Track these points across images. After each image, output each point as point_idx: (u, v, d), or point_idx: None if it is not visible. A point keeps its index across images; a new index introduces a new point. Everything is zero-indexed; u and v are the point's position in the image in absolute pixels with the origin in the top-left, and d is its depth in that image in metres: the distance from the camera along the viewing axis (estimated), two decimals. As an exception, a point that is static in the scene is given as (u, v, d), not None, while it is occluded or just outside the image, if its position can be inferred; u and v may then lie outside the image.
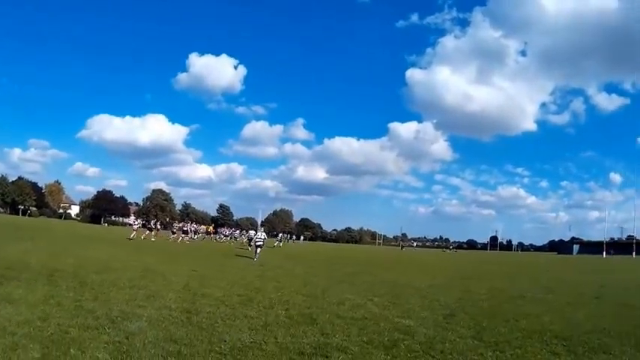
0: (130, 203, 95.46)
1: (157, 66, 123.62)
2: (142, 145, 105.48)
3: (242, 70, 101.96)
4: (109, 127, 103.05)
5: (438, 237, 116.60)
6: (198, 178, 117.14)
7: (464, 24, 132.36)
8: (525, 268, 25.68)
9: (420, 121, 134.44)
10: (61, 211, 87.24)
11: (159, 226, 34.15)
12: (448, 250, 70.32)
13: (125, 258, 13.92)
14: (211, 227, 46.23)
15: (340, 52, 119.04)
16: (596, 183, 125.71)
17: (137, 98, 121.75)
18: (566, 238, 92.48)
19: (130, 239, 24.95)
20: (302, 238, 46.13)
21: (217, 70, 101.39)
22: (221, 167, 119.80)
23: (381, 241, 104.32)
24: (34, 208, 78.55)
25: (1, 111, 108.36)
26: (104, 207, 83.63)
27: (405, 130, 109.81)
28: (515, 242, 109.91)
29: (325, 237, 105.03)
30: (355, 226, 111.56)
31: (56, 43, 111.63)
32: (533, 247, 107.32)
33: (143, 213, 79.63)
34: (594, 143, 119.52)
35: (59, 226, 39.32)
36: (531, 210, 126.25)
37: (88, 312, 5.71)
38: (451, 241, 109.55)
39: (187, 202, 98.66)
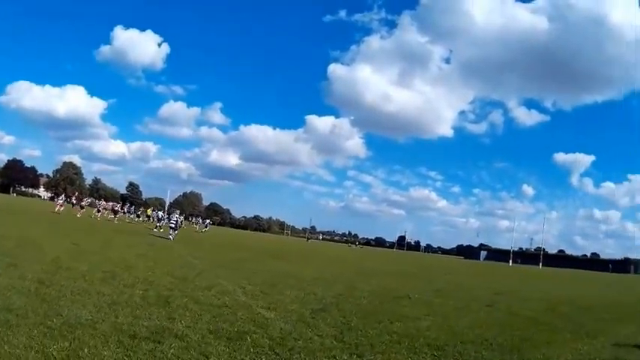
0: (41, 174, 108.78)
1: (80, 36, 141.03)
2: (59, 116, 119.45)
3: (165, 48, 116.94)
4: (28, 95, 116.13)
5: (347, 232, 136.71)
6: (111, 154, 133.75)
7: (391, 25, 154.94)
8: (424, 270, 28.53)
9: (337, 116, 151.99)
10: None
11: (83, 203, 42.65)
12: (354, 246, 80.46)
13: (5, 229, 15.84)
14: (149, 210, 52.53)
15: (265, 40, 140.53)
16: (508, 193, 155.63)
17: (58, 67, 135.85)
18: (475, 244, 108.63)
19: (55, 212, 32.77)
20: (208, 222, 50.18)
21: (140, 46, 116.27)
22: (135, 145, 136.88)
23: (289, 231, 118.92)
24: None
25: None
26: (14, 177, 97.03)
27: (322, 123, 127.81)
28: (423, 243, 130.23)
29: (233, 223, 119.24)
30: (264, 215, 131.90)
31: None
32: (441, 250, 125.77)
33: (52, 185, 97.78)
34: (509, 155, 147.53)
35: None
36: (442, 213, 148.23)
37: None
38: (360, 237, 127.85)
39: (98, 177, 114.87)
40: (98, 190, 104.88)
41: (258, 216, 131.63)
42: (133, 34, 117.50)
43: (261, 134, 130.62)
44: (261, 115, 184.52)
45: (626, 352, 7.77)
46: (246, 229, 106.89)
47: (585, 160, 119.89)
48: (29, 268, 8.46)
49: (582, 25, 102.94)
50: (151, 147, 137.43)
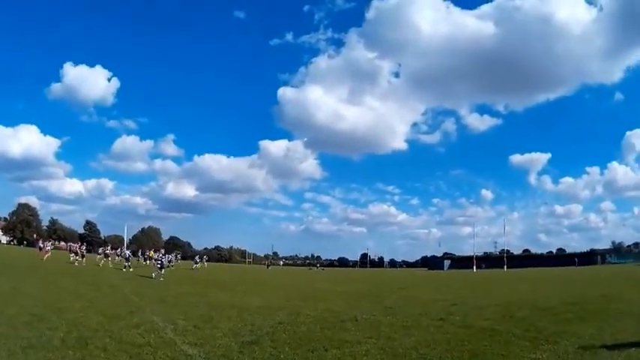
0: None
1: (31, 74, 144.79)
2: (13, 157, 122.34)
3: (115, 83, 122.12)
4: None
5: (310, 255, 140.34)
6: (68, 193, 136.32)
7: (339, 44, 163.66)
8: (380, 287, 27.97)
9: (290, 139, 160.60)
10: None
11: (48, 246, 45.80)
12: (315, 269, 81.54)
13: None
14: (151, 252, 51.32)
15: (213, 68, 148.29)
16: (468, 200, 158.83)
17: (10, 107, 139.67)
18: (439, 254, 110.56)
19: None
20: (171, 256, 50.99)
21: (90, 82, 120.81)
22: (91, 182, 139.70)
23: (250, 259, 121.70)
24: None
25: None
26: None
27: (275, 148, 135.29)
28: (386, 259, 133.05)
29: (194, 256, 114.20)
30: (225, 245, 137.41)
31: None
32: (405, 264, 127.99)
33: (10, 229, 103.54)
34: (465, 162, 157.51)
35: None
36: (403, 227, 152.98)
37: None
38: (323, 258, 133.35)
39: (55, 218, 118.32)
40: (56, 231, 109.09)
41: (219, 246, 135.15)
42: (83, 69, 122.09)
43: (216, 163, 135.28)
44: (214, 144, 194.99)
45: (590, 356, 7.23)
46: (208, 261, 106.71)
47: (542, 158, 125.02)
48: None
49: (529, 25, 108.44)
50: (107, 183, 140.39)
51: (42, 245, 45.13)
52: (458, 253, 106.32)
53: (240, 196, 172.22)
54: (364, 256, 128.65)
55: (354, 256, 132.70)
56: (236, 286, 24.03)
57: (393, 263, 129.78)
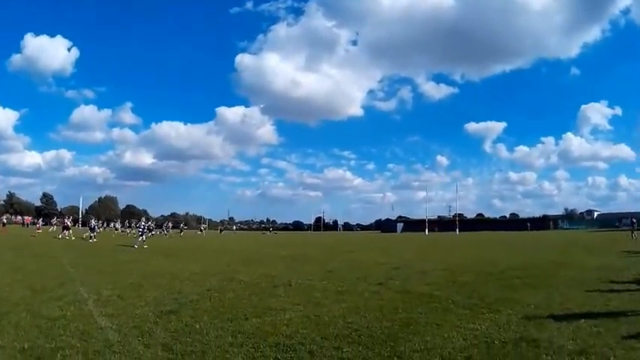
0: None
1: None
2: None
3: (75, 53, 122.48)
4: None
5: (265, 219, 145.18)
6: (27, 165, 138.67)
7: (298, 12, 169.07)
8: (326, 250, 27.68)
9: (247, 105, 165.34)
10: None
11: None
12: (268, 233, 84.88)
13: None
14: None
15: (172, 35, 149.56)
16: (423, 165, 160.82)
17: None
18: (393, 217, 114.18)
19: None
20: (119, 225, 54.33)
21: (50, 52, 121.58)
22: (50, 154, 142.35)
23: (206, 225, 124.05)
24: None
25: None
26: None
27: (232, 114, 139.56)
28: (341, 222, 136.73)
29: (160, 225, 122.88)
30: (181, 212, 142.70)
31: None
32: (360, 227, 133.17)
33: None
34: (421, 129, 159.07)
35: None
36: (358, 191, 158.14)
37: None
38: (278, 223, 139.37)
39: (12, 191, 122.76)
40: (12, 205, 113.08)
41: (175, 213, 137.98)
42: (44, 40, 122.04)
43: (173, 131, 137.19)
44: (172, 111, 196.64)
45: (535, 326, 6.59)
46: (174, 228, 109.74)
47: (497, 127, 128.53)
48: None
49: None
50: (66, 154, 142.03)
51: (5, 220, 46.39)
52: (413, 216, 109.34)
53: (197, 162, 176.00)
54: (319, 219, 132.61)
55: (310, 220, 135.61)
56: (181, 253, 23.73)
57: (347, 226, 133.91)
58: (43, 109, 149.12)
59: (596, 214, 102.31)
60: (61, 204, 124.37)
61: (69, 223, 40.17)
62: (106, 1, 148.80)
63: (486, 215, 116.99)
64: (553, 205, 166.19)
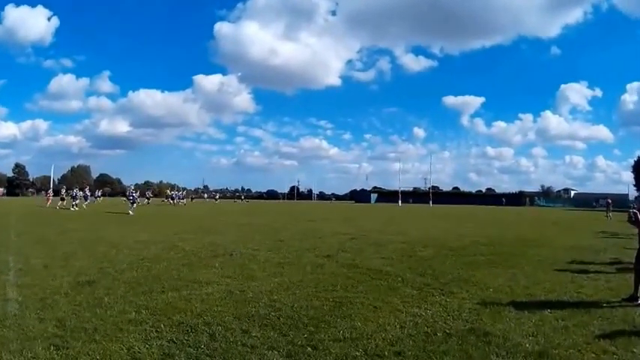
0: None
1: None
2: None
3: (55, 22, 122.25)
4: None
5: (240, 188, 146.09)
6: (2, 137, 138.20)
7: None
8: (289, 218, 27.10)
9: (224, 74, 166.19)
10: None
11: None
12: (239, 201, 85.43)
13: None
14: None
15: (151, 4, 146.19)
16: (400, 137, 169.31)
17: None
18: (368, 188, 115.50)
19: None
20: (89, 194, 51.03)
21: (30, 22, 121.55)
22: (26, 124, 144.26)
23: (182, 193, 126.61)
24: None
25: None
26: None
27: (209, 82, 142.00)
28: (316, 192, 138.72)
29: (124, 192, 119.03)
30: (155, 180, 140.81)
31: None
32: (335, 197, 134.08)
33: None
34: (399, 100, 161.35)
35: None
36: (334, 161, 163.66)
37: None
38: (253, 191, 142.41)
39: None
40: None
41: (148, 181, 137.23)
42: (24, 11, 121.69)
43: (150, 99, 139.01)
44: (150, 79, 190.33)
45: (491, 316, 5.63)
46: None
47: (475, 101, 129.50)
48: None
49: None
50: (42, 124, 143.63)
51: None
52: (388, 187, 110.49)
53: (173, 130, 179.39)
54: (293, 188, 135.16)
55: (284, 188, 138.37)
56: (138, 221, 22.94)
57: (322, 196, 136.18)
58: (21, 79, 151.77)
59: (573, 193, 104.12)
60: (33, 174, 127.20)
61: (63, 194, 42.20)
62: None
63: (462, 189, 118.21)
64: (529, 182, 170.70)
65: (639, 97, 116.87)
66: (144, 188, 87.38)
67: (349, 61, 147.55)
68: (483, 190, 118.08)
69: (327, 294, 6.59)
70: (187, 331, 4.96)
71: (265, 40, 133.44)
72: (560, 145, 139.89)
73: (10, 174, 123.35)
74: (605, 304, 6.29)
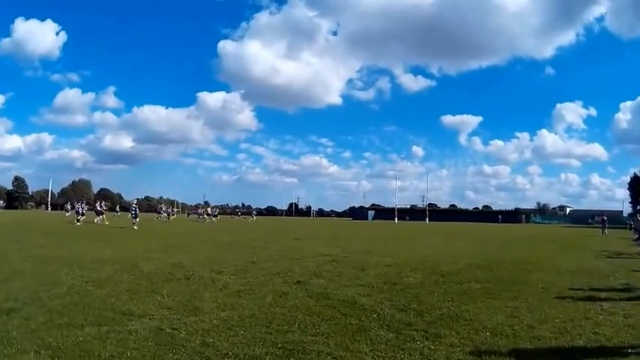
0: None
1: None
2: None
3: (63, 37, 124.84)
4: None
5: (240, 204, 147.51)
6: (7, 150, 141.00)
7: (281, 2, 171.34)
8: (274, 236, 25.61)
9: (228, 91, 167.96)
10: None
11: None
12: (236, 217, 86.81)
13: None
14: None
15: (158, 21, 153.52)
16: (399, 155, 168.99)
17: None
18: (367, 205, 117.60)
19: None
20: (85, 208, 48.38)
21: (39, 36, 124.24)
22: (31, 137, 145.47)
23: (179, 209, 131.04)
24: None
25: None
26: None
27: (213, 99, 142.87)
28: (315, 208, 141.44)
29: (126, 207, 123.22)
30: (156, 195, 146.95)
31: None
32: (334, 213, 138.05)
33: None
34: (398, 119, 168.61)
35: None
36: (334, 178, 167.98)
37: None
38: (254, 207, 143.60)
39: None
40: None
41: (148, 197, 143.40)
42: (33, 24, 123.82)
43: (154, 115, 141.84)
44: (155, 95, 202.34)
45: None
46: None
47: (472, 121, 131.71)
48: None
49: None
50: (46, 138, 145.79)
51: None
52: (387, 205, 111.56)
53: (176, 146, 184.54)
54: (292, 205, 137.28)
55: (284, 205, 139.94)
56: (114, 237, 21.56)
57: (320, 213, 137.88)
58: (28, 92, 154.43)
59: (568, 209, 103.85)
60: (33, 187, 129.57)
61: (100, 208, 39.23)
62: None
63: (459, 206, 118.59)
64: (525, 199, 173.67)
65: (633, 116, 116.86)
66: (168, 204, 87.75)
67: (350, 81, 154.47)
68: (480, 208, 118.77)
69: (277, 336, 5.10)
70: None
71: (268, 58, 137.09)
72: (555, 163, 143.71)
73: (10, 187, 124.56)
74: (630, 350, 4.81)
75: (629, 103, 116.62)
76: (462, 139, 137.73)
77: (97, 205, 40.54)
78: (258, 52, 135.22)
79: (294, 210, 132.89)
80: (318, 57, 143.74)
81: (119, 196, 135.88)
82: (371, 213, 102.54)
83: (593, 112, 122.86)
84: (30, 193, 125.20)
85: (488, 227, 50.41)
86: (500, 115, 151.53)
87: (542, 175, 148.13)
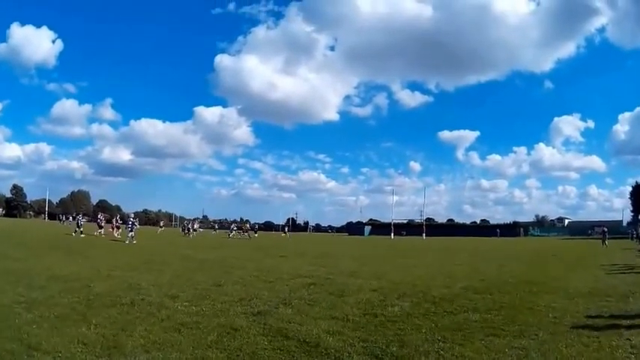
0: None
1: None
2: None
3: (59, 45, 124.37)
4: None
5: (239, 219, 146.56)
6: (7, 158, 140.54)
7: (278, 16, 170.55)
8: (260, 253, 23.88)
9: (225, 106, 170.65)
10: None
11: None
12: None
13: None
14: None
15: (155, 34, 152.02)
16: (396, 170, 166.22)
17: None
18: (364, 220, 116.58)
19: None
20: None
21: (35, 43, 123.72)
22: (30, 147, 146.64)
23: (177, 222, 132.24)
24: None
25: None
26: None
27: (210, 114, 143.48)
28: (313, 223, 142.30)
29: (123, 219, 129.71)
30: (154, 209, 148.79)
31: None
32: (332, 228, 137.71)
33: None
34: (395, 135, 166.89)
35: None
36: (332, 194, 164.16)
37: None
38: (252, 222, 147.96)
39: None
40: None
41: (147, 210, 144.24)
42: (29, 30, 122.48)
43: (152, 128, 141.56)
44: (151, 109, 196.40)
45: None
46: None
47: (470, 135, 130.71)
48: None
49: (466, 12, 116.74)
50: (45, 148, 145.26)
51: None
52: (384, 220, 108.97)
53: (174, 160, 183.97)
54: (289, 220, 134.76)
55: (281, 220, 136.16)
56: (94, 251, 20.87)
57: (318, 228, 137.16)
58: (25, 101, 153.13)
59: (567, 221, 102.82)
60: (32, 197, 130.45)
61: (116, 222, 38.80)
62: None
63: (457, 221, 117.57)
64: (523, 213, 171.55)
65: (630, 127, 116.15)
66: (194, 220, 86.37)
67: (347, 97, 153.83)
68: (478, 222, 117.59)
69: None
70: None
71: (265, 74, 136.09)
72: (553, 175, 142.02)
73: (9, 195, 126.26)
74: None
75: (627, 115, 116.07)
76: (460, 154, 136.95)
77: (114, 219, 40.15)
78: (255, 67, 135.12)
79: (291, 225, 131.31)
80: (316, 72, 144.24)
81: (118, 208, 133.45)
82: (367, 228, 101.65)
83: (590, 124, 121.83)
84: (28, 202, 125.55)
85: (487, 241, 48.94)
86: (498, 130, 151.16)
87: (540, 188, 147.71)
